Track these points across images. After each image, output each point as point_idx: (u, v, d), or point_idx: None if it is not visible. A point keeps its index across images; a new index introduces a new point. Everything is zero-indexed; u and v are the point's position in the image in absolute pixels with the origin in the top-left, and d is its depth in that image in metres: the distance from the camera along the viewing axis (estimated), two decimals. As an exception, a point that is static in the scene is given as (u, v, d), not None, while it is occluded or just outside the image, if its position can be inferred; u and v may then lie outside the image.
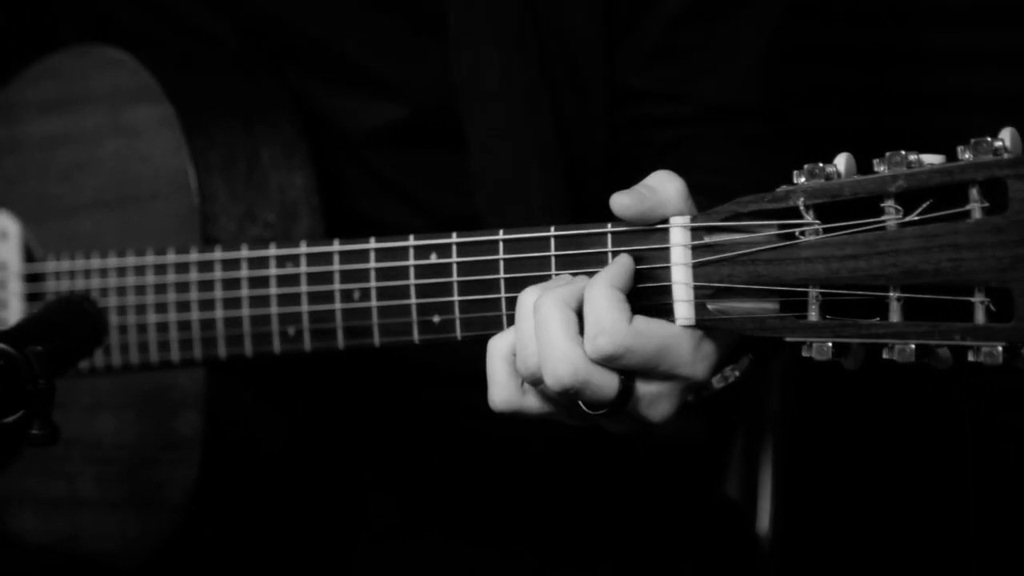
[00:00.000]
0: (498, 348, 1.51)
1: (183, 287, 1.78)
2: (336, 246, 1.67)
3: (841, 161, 1.40)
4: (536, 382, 1.48)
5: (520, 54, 1.84)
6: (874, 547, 2.74)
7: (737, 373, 1.59)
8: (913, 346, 1.35)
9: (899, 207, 1.36)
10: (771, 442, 2.21)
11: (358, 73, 1.91)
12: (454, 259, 1.59)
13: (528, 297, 1.49)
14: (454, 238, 1.59)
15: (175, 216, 1.83)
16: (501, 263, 1.57)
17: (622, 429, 1.55)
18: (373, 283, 1.64)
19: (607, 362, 1.46)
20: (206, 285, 1.76)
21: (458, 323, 1.60)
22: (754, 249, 1.43)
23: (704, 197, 1.54)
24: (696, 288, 1.47)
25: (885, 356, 1.37)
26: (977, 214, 1.32)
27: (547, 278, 1.53)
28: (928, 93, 2.60)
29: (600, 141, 1.89)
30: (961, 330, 1.32)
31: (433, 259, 1.60)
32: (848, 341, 1.39)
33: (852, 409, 2.67)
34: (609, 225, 1.52)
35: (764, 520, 2.21)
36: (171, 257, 1.79)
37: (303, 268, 1.69)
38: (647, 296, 1.49)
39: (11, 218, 1.94)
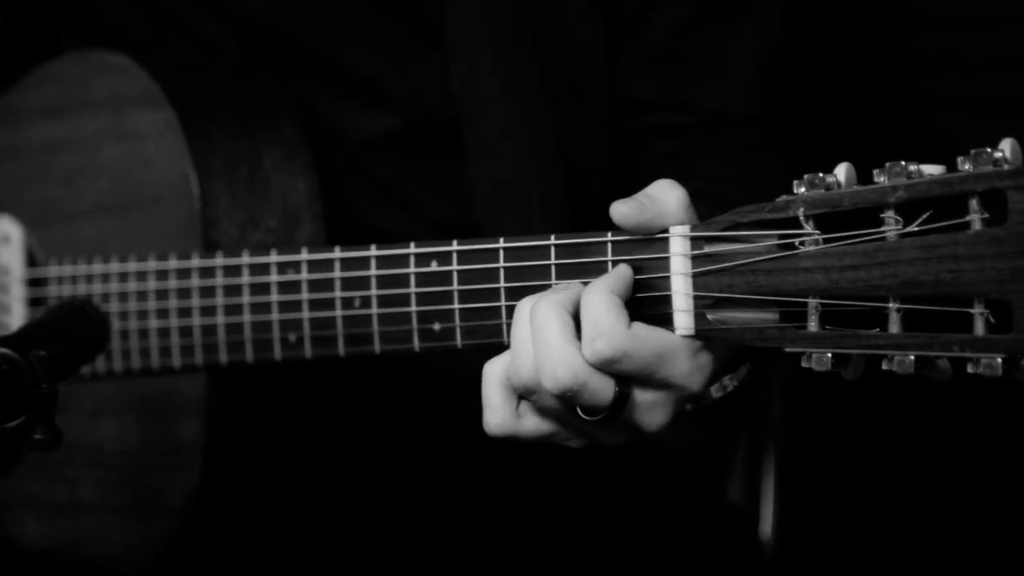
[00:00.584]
0: (493, 372, 1.52)
1: (185, 293, 1.78)
2: (337, 253, 1.67)
3: (841, 171, 1.40)
4: (530, 392, 1.48)
5: (518, 61, 1.84)
6: (875, 553, 2.74)
7: (735, 383, 1.59)
8: (912, 357, 1.35)
9: (899, 217, 1.36)
10: (773, 447, 2.21)
11: (358, 80, 1.91)
12: (455, 267, 1.59)
13: (524, 306, 1.49)
14: (455, 246, 1.59)
15: (177, 221, 1.83)
16: (502, 271, 1.57)
17: (618, 440, 1.55)
18: (374, 290, 1.64)
19: (604, 366, 1.46)
20: (208, 291, 1.76)
21: (459, 331, 1.60)
22: (754, 259, 1.43)
23: (705, 206, 1.54)
24: (695, 298, 1.47)
25: (884, 367, 1.37)
26: (977, 225, 1.31)
27: (548, 287, 1.53)
28: (928, 96, 2.60)
29: (602, 149, 1.89)
30: (960, 341, 1.32)
31: (434, 267, 1.61)
32: (848, 352, 1.39)
33: (854, 414, 2.67)
34: (609, 234, 1.52)
35: (767, 525, 2.21)
36: (173, 263, 1.79)
37: (304, 275, 1.69)
38: (647, 305, 1.49)
39: (13, 223, 1.95)
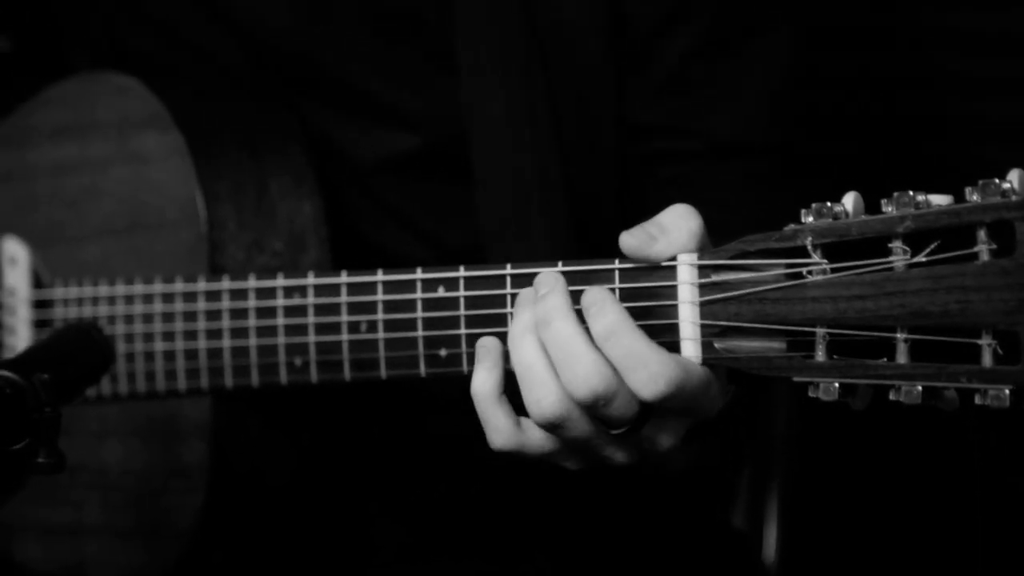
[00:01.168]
0: (484, 391, 1.51)
1: (190, 316, 1.78)
2: (344, 278, 1.67)
3: (849, 201, 1.40)
4: (555, 424, 1.47)
5: (527, 86, 1.84)
6: (880, 577, 2.74)
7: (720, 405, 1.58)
8: (920, 388, 1.35)
9: (907, 247, 1.36)
10: (777, 472, 2.21)
11: (369, 102, 1.92)
12: (461, 293, 1.59)
13: (522, 339, 1.48)
14: (462, 272, 1.59)
15: (183, 244, 1.83)
16: (508, 297, 1.57)
17: (628, 459, 1.54)
18: (380, 315, 1.64)
19: (661, 403, 1.45)
20: (213, 314, 1.76)
21: (465, 357, 1.60)
22: (761, 288, 1.43)
23: (710, 234, 1.53)
24: (703, 326, 1.47)
25: (892, 397, 1.37)
26: (984, 256, 1.32)
27: None
28: (937, 120, 2.60)
29: (609, 174, 1.89)
30: (968, 372, 1.32)
31: (440, 292, 1.60)
32: (855, 382, 1.39)
33: (859, 438, 2.67)
34: (616, 261, 1.52)
35: (770, 549, 2.21)
36: (179, 286, 1.79)
37: (310, 299, 1.69)
38: (654, 333, 1.49)
39: (20, 244, 1.95)
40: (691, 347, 1.48)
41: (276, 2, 1.92)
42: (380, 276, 1.64)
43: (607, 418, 1.47)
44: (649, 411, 1.47)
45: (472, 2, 1.84)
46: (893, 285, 1.36)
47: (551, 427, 1.48)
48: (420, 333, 1.62)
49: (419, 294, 1.62)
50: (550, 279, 1.50)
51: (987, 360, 1.32)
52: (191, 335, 1.78)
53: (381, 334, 1.64)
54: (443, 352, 1.61)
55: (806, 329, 1.41)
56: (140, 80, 1.87)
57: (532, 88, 1.84)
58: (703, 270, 1.47)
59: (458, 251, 1.93)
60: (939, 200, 1.36)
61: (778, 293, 1.42)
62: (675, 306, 1.48)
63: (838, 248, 1.40)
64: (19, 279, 1.94)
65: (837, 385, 1.40)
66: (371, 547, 2.00)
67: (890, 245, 1.36)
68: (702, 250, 1.49)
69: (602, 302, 1.47)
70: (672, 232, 1.48)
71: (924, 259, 1.35)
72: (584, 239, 1.87)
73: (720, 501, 2.22)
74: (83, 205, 1.91)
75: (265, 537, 1.94)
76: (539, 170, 1.85)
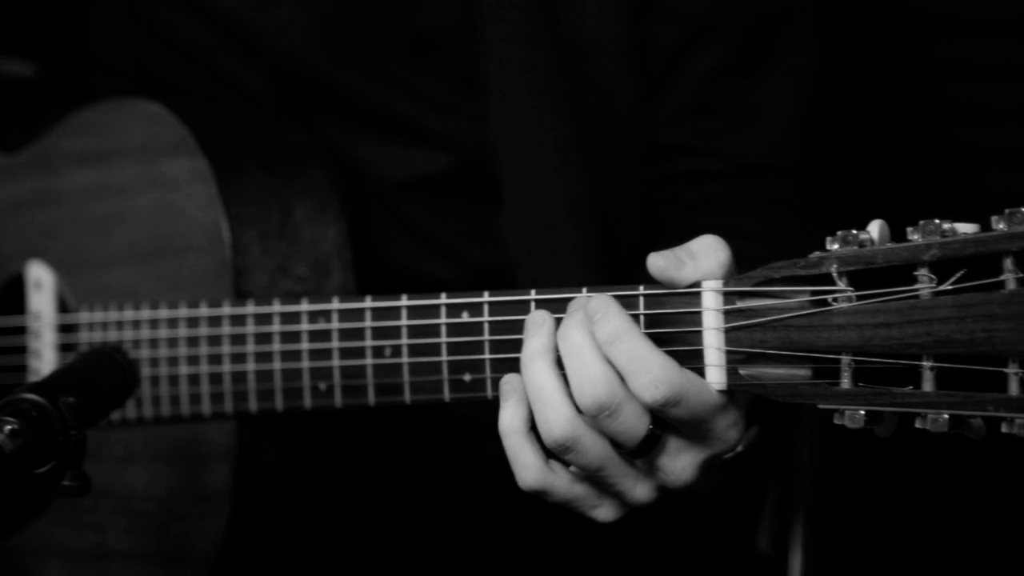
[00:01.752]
0: (511, 426, 1.52)
1: (215, 340, 1.78)
2: (368, 302, 1.67)
3: (875, 228, 1.40)
4: (566, 448, 1.47)
5: (554, 109, 1.84)
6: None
7: (743, 446, 1.58)
8: (946, 416, 1.35)
9: (933, 275, 1.36)
10: (802, 496, 2.20)
11: (395, 123, 1.92)
12: (486, 318, 1.59)
13: (534, 363, 1.49)
14: (486, 297, 1.59)
15: (208, 269, 1.83)
16: (533, 323, 1.57)
17: (647, 494, 1.54)
18: (404, 340, 1.64)
19: (662, 409, 1.45)
20: (238, 339, 1.76)
21: (489, 382, 1.59)
22: (787, 315, 1.43)
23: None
24: (728, 352, 1.47)
25: (918, 425, 1.37)
26: (1011, 285, 1.31)
27: None
28: (960, 147, 2.60)
29: (634, 197, 1.89)
30: (994, 401, 1.32)
31: (465, 318, 1.60)
32: (881, 409, 1.38)
33: (885, 462, 2.66)
34: (641, 287, 1.51)
35: (795, 574, 2.20)
36: (204, 310, 1.79)
37: (335, 324, 1.69)
38: (677, 359, 1.48)
39: (46, 268, 1.95)
40: (716, 373, 1.48)
41: (299, 26, 1.92)
42: (404, 301, 1.64)
43: (615, 434, 1.46)
44: (660, 431, 1.47)
45: (498, 24, 1.84)
46: (919, 313, 1.35)
47: (563, 450, 1.48)
48: (444, 358, 1.62)
49: (443, 319, 1.62)
50: (575, 303, 1.51)
51: (1014, 389, 1.31)
52: (216, 359, 1.78)
53: (405, 359, 1.64)
54: (467, 377, 1.61)
55: (831, 356, 1.41)
56: (165, 106, 1.87)
57: (560, 110, 1.84)
58: (728, 296, 1.47)
59: (484, 272, 1.93)
60: (965, 228, 1.35)
61: (803, 320, 1.42)
62: (699, 332, 1.48)
63: (863, 275, 1.39)
64: (44, 303, 1.95)
65: (863, 413, 1.39)
66: (395, 569, 2.00)
67: (916, 273, 1.36)
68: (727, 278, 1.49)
69: (606, 308, 1.47)
70: (701, 260, 1.48)
71: (950, 287, 1.34)
72: (611, 262, 1.87)
73: (744, 524, 2.21)
74: (108, 230, 1.91)
75: (288, 561, 1.94)
76: (568, 194, 1.86)
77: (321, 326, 1.70)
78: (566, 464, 1.52)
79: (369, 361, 1.67)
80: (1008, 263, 1.31)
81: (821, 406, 1.42)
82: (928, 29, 2.62)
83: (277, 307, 1.73)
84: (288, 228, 1.85)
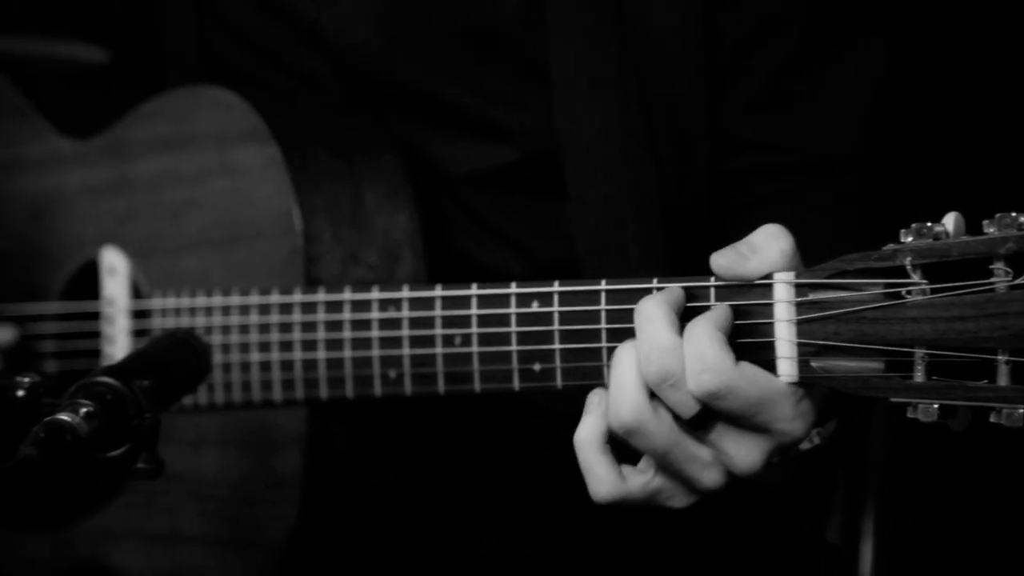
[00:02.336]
0: (587, 440, 1.53)
1: (286, 327, 1.79)
2: (438, 291, 1.67)
3: (950, 221, 1.39)
4: (631, 431, 1.49)
5: (620, 103, 1.84)
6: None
7: (820, 439, 1.58)
8: (1022, 411, 1.33)
9: (1008, 269, 1.34)
10: (873, 489, 2.18)
11: (462, 117, 1.92)
12: (556, 308, 1.59)
13: (623, 351, 1.50)
14: (556, 287, 1.59)
15: (279, 256, 1.84)
16: (603, 313, 1.57)
17: (716, 481, 1.54)
18: (474, 329, 1.65)
19: (709, 400, 1.47)
20: (309, 326, 1.77)
21: (559, 372, 1.60)
22: (860, 307, 1.42)
23: (802, 252, 1.53)
24: (799, 345, 1.46)
25: (992, 420, 1.36)
26: (1091, 279, 1.30)
27: None
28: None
29: (702, 191, 1.88)
30: (1072, 396, 1.31)
31: (535, 307, 1.60)
32: (954, 404, 1.37)
33: (959, 455, 2.63)
34: (712, 279, 1.51)
35: (866, 566, 2.18)
36: (275, 297, 1.80)
37: (405, 312, 1.70)
38: (748, 351, 1.48)
39: (120, 254, 1.97)
40: (787, 365, 1.47)
41: (365, 20, 1.93)
42: (475, 290, 1.65)
43: (675, 404, 1.48)
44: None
45: (564, 17, 1.84)
46: (995, 307, 1.34)
47: (629, 433, 1.50)
48: (514, 347, 1.62)
49: (513, 308, 1.62)
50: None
51: (1092, 385, 1.30)
52: (287, 346, 1.79)
53: (475, 348, 1.65)
54: (537, 367, 1.61)
55: (904, 349, 1.40)
56: (238, 94, 1.88)
57: (626, 104, 1.83)
58: (800, 289, 1.47)
59: (551, 264, 1.93)
60: (1043, 221, 1.34)
61: (877, 313, 1.41)
62: (771, 324, 1.48)
63: (937, 268, 1.38)
64: (118, 289, 1.97)
65: (936, 406, 1.38)
66: (470, 555, 2.01)
67: (991, 266, 1.35)
68: (795, 269, 1.48)
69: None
70: (763, 251, 1.49)
71: (1027, 281, 1.33)
72: (678, 256, 1.87)
73: (813, 516, 2.20)
74: (181, 217, 1.93)
75: (362, 547, 1.94)
76: (634, 188, 1.85)
77: (391, 314, 1.70)
78: (633, 452, 1.52)
79: (439, 350, 1.67)
80: (1086, 257, 1.30)
81: (894, 399, 1.41)
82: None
83: (348, 295, 1.74)
84: (359, 215, 1.85)
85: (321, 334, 1.76)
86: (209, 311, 1.86)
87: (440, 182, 1.94)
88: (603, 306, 1.56)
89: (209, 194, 1.90)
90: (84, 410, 1.46)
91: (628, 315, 1.53)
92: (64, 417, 1.45)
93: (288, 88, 1.99)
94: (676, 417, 1.50)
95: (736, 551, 2.05)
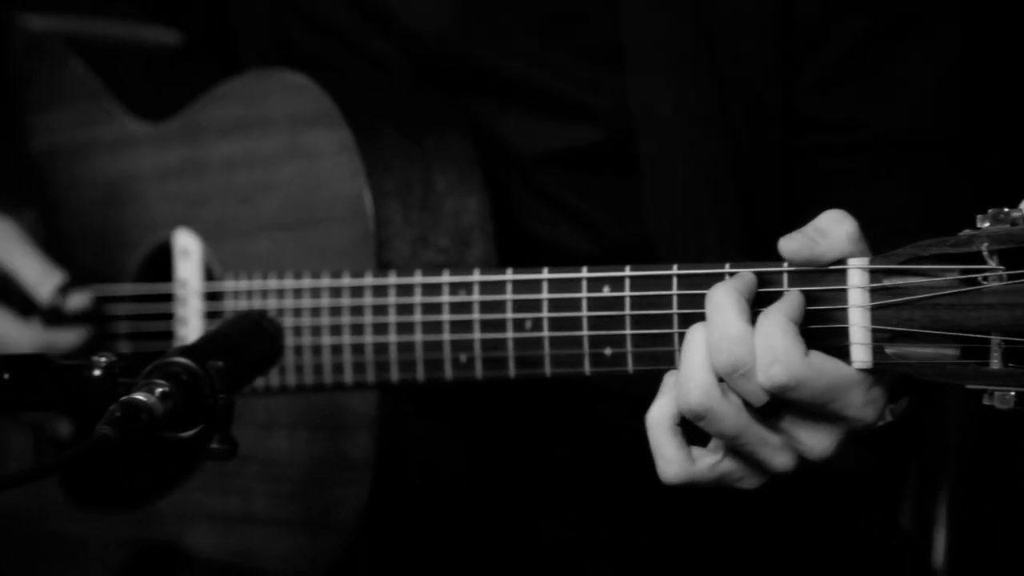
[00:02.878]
0: (658, 420, 1.52)
1: (357, 310, 1.79)
2: (509, 275, 1.67)
3: (1028, 206, 1.37)
4: (699, 415, 1.49)
5: (695, 82, 1.82)
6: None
7: (893, 416, 1.56)
8: (1101, 399, 1.32)
9: (1089, 255, 1.32)
10: (947, 476, 2.16)
11: (536, 97, 1.91)
12: (627, 293, 1.59)
13: (693, 333, 1.50)
14: (627, 271, 1.59)
15: (351, 240, 1.84)
16: (674, 298, 1.56)
17: (787, 463, 1.54)
18: (545, 313, 1.64)
19: (779, 392, 1.46)
20: (380, 309, 1.77)
21: (630, 357, 1.59)
22: (935, 293, 1.41)
23: (875, 230, 1.51)
24: (873, 331, 1.45)
25: (1071, 408, 1.34)
26: None
27: None
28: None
29: (776, 169, 1.87)
30: None
31: (606, 292, 1.60)
32: (1032, 392, 1.36)
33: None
34: (785, 264, 1.50)
35: (939, 553, 2.17)
36: (346, 280, 1.80)
37: (476, 296, 1.69)
38: (821, 337, 1.47)
39: (193, 237, 1.98)
40: (861, 351, 1.46)
41: (436, 4, 1.93)
42: (546, 274, 1.64)
43: (746, 393, 1.47)
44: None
45: None
46: (1074, 293, 1.32)
47: (696, 416, 1.49)
48: (585, 332, 1.62)
49: (584, 293, 1.61)
50: None
51: None
52: (358, 329, 1.79)
53: (546, 332, 1.64)
54: (608, 351, 1.60)
55: (981, 336, 1.38)
56: (311, 77, 1.89)
57: (700, 84, 1.82)
58: (874, 274, 1.45)
59: (624, 245, 1.92)
60: (1124, 206, 1.32)
61: (952, 299, 1.40)
62: (845, 310, 1.46)
63: (1015, 254, 1.36)
64: (191, 271, 1.98)
65: (1013, 394, 1.37)
66: (538, 541, 2.01)
67: (1071, 252, 1.33)
68: (861, 253, 1.47)
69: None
70: (831, 235, 1.48)
71: (1107, 267, 1.31)
72: (753, 237, 1.85)
73: (887, 503, 2.19)
74: (253, 199, 1.94)
75: (435, 530, 1.95)
76: (710, 167, 1.84)
77: (462, 298, 1.70)
78: (704, 434, 1.51)
79: (510, 334, 1.67)
80: None
81: (969, 386, 1.39)
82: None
83: (419, 278, 1.74)
84: (430, 199, 1.85)
85: (392, 317, 1.76)
86: (281, 293, 1.87)
87: (511, 163, 1.94)
88: (675, 291, 1.56)
89: (281, 177, 1.91)
90: (160, 390, 1.47)
91: (700, 300, 1.52)
92: (140, 397, 1.46)
93: (360, 71, 1.99)
94: (746, 402, 1.49)
95: (808, 535, 2.04)
